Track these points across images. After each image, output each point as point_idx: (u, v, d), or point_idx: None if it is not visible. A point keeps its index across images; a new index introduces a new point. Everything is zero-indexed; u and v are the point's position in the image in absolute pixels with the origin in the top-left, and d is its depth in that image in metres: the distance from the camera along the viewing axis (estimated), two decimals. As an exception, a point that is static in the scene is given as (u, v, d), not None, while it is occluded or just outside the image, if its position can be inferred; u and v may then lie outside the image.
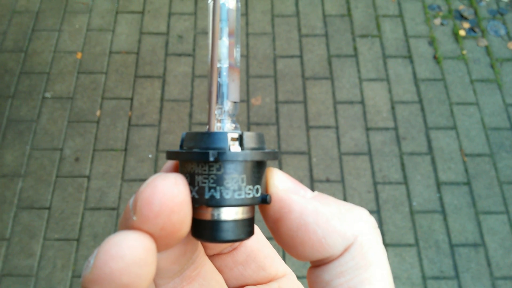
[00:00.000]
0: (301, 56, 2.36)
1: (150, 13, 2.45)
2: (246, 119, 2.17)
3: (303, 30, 2.44)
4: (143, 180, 1.99)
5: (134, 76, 2.26)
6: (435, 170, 2.08)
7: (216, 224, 0.26)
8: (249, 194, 0.26)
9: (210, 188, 0.26)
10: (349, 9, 2.51)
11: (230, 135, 0.26)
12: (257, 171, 0.27)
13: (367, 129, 2.17)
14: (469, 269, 1.88)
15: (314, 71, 2.32)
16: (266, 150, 0.28)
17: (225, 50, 0.30)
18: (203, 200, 0.26)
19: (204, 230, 0.26)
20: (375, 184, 2.04)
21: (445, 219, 1.98)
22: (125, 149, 2.06)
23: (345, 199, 2.00)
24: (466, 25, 2.53)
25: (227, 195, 0.26)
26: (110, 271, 0.21)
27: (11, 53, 2.30)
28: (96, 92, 2.20)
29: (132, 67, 2.28)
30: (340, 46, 2.39)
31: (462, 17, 2.56)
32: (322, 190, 2.02)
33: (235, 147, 0.26)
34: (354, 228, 0.25)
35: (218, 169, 0.26)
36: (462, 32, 2.50)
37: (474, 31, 2.51)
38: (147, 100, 2.20)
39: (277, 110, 2.21)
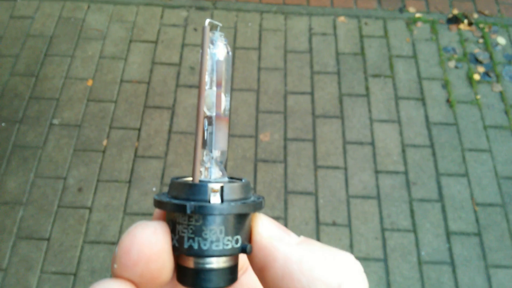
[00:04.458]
0: (312, 93, 2.34)
1: (163, 43, 2.45)
2: (253, 155, 2.14)
3: (315, 67, 2.42)
4: (145, 214, 1.96)
5: (143, 106, 2.25)
6: (445, 218, 2.02)
7: (197, 272, 0.27)
8: (227, 245, 0.27)
9: (189, 238, 0.26)
10: (362, 48, 2.49)
11: (211, 187, 0.27)
12: (237, 222, 0.27)
13: (377, 171, 2.12)
14: (477, 326, 1.81)
15: (324, 109, 2.29)
16: (249, 201, 0.28)
17: (213, 100, 0.30)
18: (182, 249, 0.26)
19: (186, 276, 0.27)
20: (383, 230, 1.98)
21: (454, 271, 1.91)
22: (129, 181, 2.03)
23: (351, 245, 1.94)
24: (481, 69, 2.50)
25: (205, 246, 0.26)
26: None
27: (22, 77, 2.30)
28: (104, 120, 2.19)
29: (142, 97, 2.27)
30: (352, 85, 2.37)
31: (477, 61, 2.54)
32: (328, 234, 1.97)
33: (215, 199, 0.27)
34: (339, 275, 0.25)
35: (197, 220, 0.26)
36: (476, 76, 2.47)
37: (489, 76, 2.47)
38: (155, 131, 2.18)
39: (285, 147, 2.18)
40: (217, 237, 0.26)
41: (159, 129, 2.19)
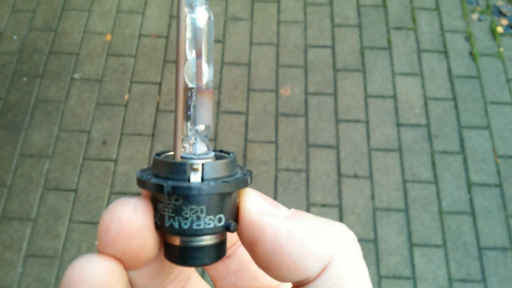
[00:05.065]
0: (333, 47, 2.31)
1: (180, -3, 2.41)
2: (274, 109, 2.14)
3: (336, 19, 2.38)
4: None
5: (163, 60, 2.23)
6: (466, 170, 2.03)
7: (182, 249, 0.27)
8: (209, 224, 0.26)
9: (169, 217, 0.26)
10: (384, 0, 2.43)
11: (191, 165, 0.26)
12: (220, 200, 0.26)
13: (398, 125, 2.12)
14: (496, 273, 1.84)
15: (345, 62, 2.27)
16: (231, 179, 0.27)
17: (194, 70, 0.28)
18: (164, 227, 0.26)
19: (172, 253, 0.27)
20: (404, 182, 2.00)
21: (474, 221, 1.93)
22: (153, 135, 2.04)
23: (372, 196, 1.96)
24: (504, 21, 2.44)
25: (186, 226, 0.26)
26: None
27: (40, 32, 2.29)
28: (124, 75, 2.18)
29: (161, 51, 2.25)
30: (373, 38, 2.33)
31: (500, 13, 2.47)
32: (349, 186, 1.98)
33: (195, 177, 0.26)
34: (330, 247, 0.25)
35: (177, 200, 0.26)
36: (499, 29, 2.42)
37: (513, 28, 2.42)
38: (175, 85, 2.17)
39: (306, 101, 2.17)
40: (197, 216, 0.26)
41: (179, 83, 2.18)
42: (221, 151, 0.31)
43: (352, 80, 2.22)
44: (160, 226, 0.26)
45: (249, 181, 0.28)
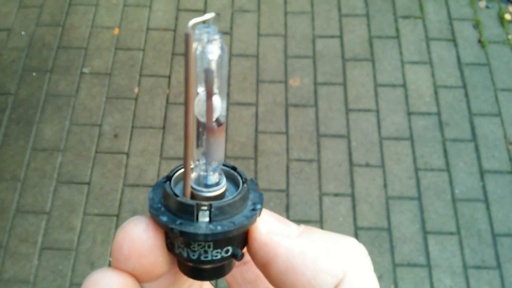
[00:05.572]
0: (341, 37, 2.30)
1: (187, -11, 2.41)
2: (284, 100, 2.13)
3: (343, 9, 2.37)
4: (181, 158, 1.98)
5: (171, 53, 2.23)
6: (478, 157, 2.02)
7: (193, 268, 0.28)
8: (216, 256, 0.27)
9: (178, 246, 0.27)
10: (391, -11, 2.43)
11: (199, 206, 0.26)
12: (227, 237, 0.27)
13: (409, 113, 2.11)
14: (511, 260, 1.84)
15: (354, 52, 2.26)
16: (239, 220, 0.27)
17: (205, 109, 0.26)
18: (173, 253, 0.27)
19: (184, 268, 0.28)
20: (416, 170, 2.00)
21: (488, 208, 1.93)
22: (163, 127, 2.04)
23: (385, 185, 1.96)
24: (512, 8, 2.44)
25: (194, 256, 0.26)
26: None
27: (48, 27, 2.28)
28: (134, 68, 2.18)
29: (169, 44, 2.25)
30: (381, 27, 2.32)
31: (508, 1, 2.47)
32: (361, 175, 1.98)
33: (203, 217, 0.26)
34: (343, 263, 0.25)
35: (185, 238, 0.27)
36: (507, 16, 2.41)
37: (521, 15, 2.41)
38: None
39: (315, 91, 2.17)
40: (205, 250, 0.26)
41: (188, 76, 2.17)
42: (234, 168, 0.30)
43: (361, 69, 2.22)
44: (171, 249, 0.27)
45: (258, 215, 0.28)
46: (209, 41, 0.25)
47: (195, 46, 0.24)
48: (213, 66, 0.25)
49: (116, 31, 2.29)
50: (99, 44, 2.25)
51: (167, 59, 2.22)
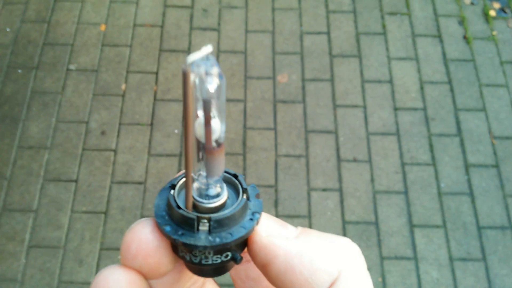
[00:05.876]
0: (328, 33, 2.32)
1: (174, -14, 2.40)
2: (272, 96, 2.14)
3: (330, 6, 2.38)
4: (169, 155, 1.98)
5: (159, 50, 2.22)
6: (463, 152, 2.05)
7: (197, 267, 0.30)
8: (216, 260, 0.29)
9: (181, 251, 0.28)
10: (378, -14, 2.44)
11: (199, 219, 0.28)
12: (226, 246, 0.28)
13: (395, 109, 2.13)
14: (496, 252, 1.87)
15: (341, 48, 2.28)
16: (238, 231, 0.28)
17: (203, 133, 0.27)
18: (178, 254, 0.29)
19: (190, 266, 0.30)
20: (403, 164, 2.02)
21: (473, 201, 1.96)
22: (151, 124, 2.03)
23: (372, 180, 1.98)
24: (497, 5, 2.47)
25: (195, 260, 0.28)
26: None
27: (33, 24, 2.26)
28: (120, 65, 2.17)
29: (156, 41, 2.24)
30: (368, 24, 2.34)
31: (493, -3, 2.50)
32: (349, 170, 2.00)
33: (204, 228, 0.28)
34: (338, 262, 0.27)
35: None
36: (492, 13, 2.44)
37: (505, 12, 2.45)
38: (172, 74, 2.17)
39: (303, 87, 2.18)
40: (205, 256, 0.28)
41: (176, 72, 2.17)
42: (235, 176, 0.31)
43: (349, 65, 2.23)
44: (175, 251, 0.29)
45: (256, 224, 0.29)
46: (208, 74, 0.25)
47: (192, 78, 0.24)
48: (212, 96, 0.26)
49: (103, 27, 2.27)
50: (86, 40, 2.23)
51: (155, 55, 2.21)
